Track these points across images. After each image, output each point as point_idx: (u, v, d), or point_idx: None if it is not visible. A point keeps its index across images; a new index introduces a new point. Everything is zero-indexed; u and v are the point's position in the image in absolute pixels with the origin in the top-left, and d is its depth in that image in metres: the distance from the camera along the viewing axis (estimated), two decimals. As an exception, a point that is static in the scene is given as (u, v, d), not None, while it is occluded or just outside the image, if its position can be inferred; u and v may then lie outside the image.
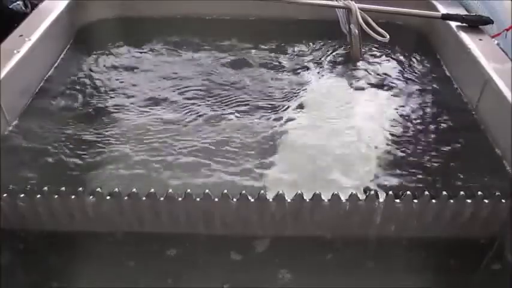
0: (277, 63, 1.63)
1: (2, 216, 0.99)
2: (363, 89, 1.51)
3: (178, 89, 1.48)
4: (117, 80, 1.52)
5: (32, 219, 1.01)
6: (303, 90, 1.49)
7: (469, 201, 0.99)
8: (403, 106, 1.42)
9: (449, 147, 1.25)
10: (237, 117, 1.36)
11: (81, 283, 0.96)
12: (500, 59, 1.38)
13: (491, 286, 0.98)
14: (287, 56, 1.67)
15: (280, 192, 0.97)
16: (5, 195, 0.98)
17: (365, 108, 1.41)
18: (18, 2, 1.91)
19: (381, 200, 0.98)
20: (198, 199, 0.97)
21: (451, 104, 1.43)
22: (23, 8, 1.95)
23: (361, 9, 1.60)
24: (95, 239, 1.02)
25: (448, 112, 1.39)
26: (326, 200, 0.98)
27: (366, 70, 1.59)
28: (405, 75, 1.57)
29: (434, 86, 1.52)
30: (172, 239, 1.02)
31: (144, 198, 0.97)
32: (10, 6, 1.94)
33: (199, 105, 1.41)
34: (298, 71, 1.59)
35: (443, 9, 1.67)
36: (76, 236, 1.02)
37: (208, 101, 1.43)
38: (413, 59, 1.66)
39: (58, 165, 1.17)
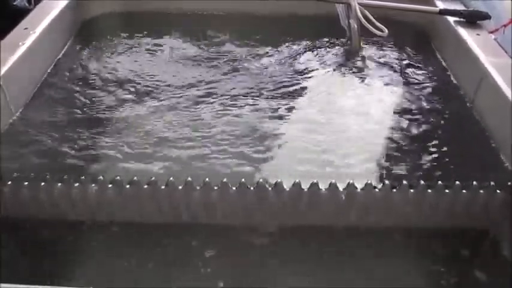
0: (276, 58, 1.64)
1: (3, 204, 1.00)
2: (361, 83, 1.52)
3: (178, 79, 1.51)
4: (118, 73, 1.53)
5: (35, 207, 1.03)
6: (303, 84, 1.50)
7: (464, 191, 1.01)
8: (400, 99, 1.43)
9: (446, 140, 1.27)
10: (239, 109, 1.38)
11: (81, 273, 0.97)
12: (498, 53, 1.39)
13: (486, 275, 0.98)
14: (287, 50, 1.69)
15: (279, 181, 0.99)
16: (9, 183, 1.00)
17: (363, 101, 1.43)
18: (22, -1, 1.93)
19: (378, 189, 1.00)
20: (198, 187, 0.99)
21: (449, 97, 1.44)
22: (27, 5, 1.97)
23: (361, 4, 1.61)
24: (96, 227, 1.04)
25: (445, 105, 1.40)
26: (324, 189, 1.00)
27: (364, 64, 1.61)
28: (403, 69, 1.58)
29: (432, 79, 1.53)
30: (173, 228, 1.04)
31: (145, 186, 0.99)
32: (14, 3, 1.97)
33: (199, 98, 1.42)
34: (298, 65, 1.60)
35: (441, 5, 1.69)
36: (78, 224, 1.04)
37: (209, 94, 1.44)
38: (412, 54, 1.67)
39: (61, 154, 1.19)
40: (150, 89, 1.46)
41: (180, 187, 0.99)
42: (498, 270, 0.99)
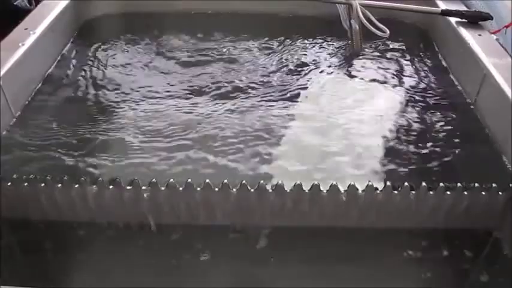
0: (277, 58, 1.64)
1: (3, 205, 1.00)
2: (362, 83, 1.52)
3: (178, 79, 1.51)
4: (119, 73, 1.53)
5: (35, 208, 1.02)
6: (304, 84, 1.50)
7: (466, 193, 1.01)
8: (402, 100, 1.43)
9: (448, 141, 1.26)
10: (236, 110, 1.37)
11: (80, 275, 0.97)
12: (499, 54, 1.38)
13: (488, 278, 0.98)
14: (287, 51, 1.68)
15: (280, 182, 0.99)
16: (8, 183, 1.00)
17: (364, 102, 1.42)
18: (22, -1, 1.93)
19: (379, 191, 1.00)
20: (198, 188, 0.99)
21: (450, 98, 1.43)
22: (28, 5, 1.97)
23: (362, 4, 1.61)
24: (96, 229, 1.04)
25: (446, 106, 1.40)
26: (324, 191, 1.00)
27: (366, 65, 1.60)
28: (404, 70, 1.58)
29: (434, 80, 1.52)
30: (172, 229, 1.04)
31: (144, 187, 0.99)
32: (15, 3, 1.96)
33: (203, 98, 1.42)
34: (299, 65, 1.60)
35: (443, 5, 1.68)
36: (78, 225, 1.04)
37: (209, 94, 1.44)
38: (413, 55, 1.66)
39: (61, 154, 1.18)
40: (151, 88, 1.46)
41: (181, 188, 0.99)
42: (501, 271, 0.99)
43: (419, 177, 1.13)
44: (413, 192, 1.00)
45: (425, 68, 1.59)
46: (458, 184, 1.00)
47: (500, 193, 1.01)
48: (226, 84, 1.48)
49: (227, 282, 0.94)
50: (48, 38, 1.50)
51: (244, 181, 0.99)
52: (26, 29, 1.45)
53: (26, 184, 1.00)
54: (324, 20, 1.78)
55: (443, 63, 1.61)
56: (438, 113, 1.37)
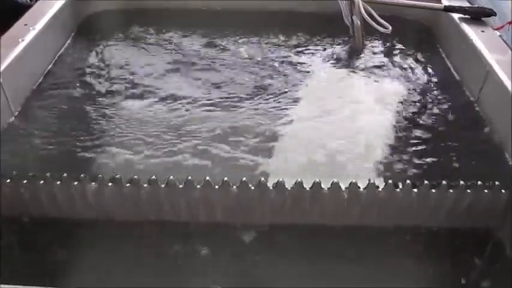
0: (279, 55, 1.63)
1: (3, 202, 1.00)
2: (364, 79, 1.51)
3: (180, 77, 1.50)
4: (118, 69, 1.53)
5: (35, 205, 1.02)
6: (306, 81, 1.50)
7: (468, 191, 1.00)
8: (404, 97, 1.42)
9: (451, 138, 1.25)
10: (239, 106, 1.37)
11: (80, 273, 0.97)
12: (503, 50, 1.37)
13: (490, 277, 0.98)
14: (289, 47, 1.68)
15: (281, 180, 0.98)
16: (8, 180, 0.99)
17: (366, 98, 1.42)
18: (23, -6, 1.92)
19: (381, 189, 0.99)
20: (198, 186, 0.99)
21: (453, 95, 1.43)
22: (28, 1, 1.96)
23: (364, 0, 1.60)
24: (95, 226, 1.03)
25: (449, 103, 1.39)
26: (326, 189, 0.99)
27: (368, 61, 1.59)
28: (407, 66, 1.57)
29: (436, 77, 1.52)
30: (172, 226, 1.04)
31: (145, 185, 0.98)
32: (16, -1, 1.96)
33: (200, 94, 1.42)
34: (301, 62, 1.59)
35: (446, 1, 1.67)
36: (78, 223, 1.04)
37: (208, 90, 1.44)
38: (415, 51, 1.65)
39: (61, 152, 1.18)
40: (152, 85, 1.45)
41: (181, 186, 0.99)
42: (502, 271, 0.98)
43: (421, 174, 1.13)
44: (416, 190, 0.99)
45: (427, 65, 1.58)
46: (461, 182, 1.00)
47: (503, 191, 1.00)
48: (222, 82, 1.48)
49: (227, 281, 0.94)
50: (49, 34, 1.50)
51: (244, 178, 0.98)
52: (25, 24, 1.44)
53: (25, 181, 0.99)
54: (325, 16, 1.77)
55: (446, 59, 1.60)
56: (440, 110, 1.36)
